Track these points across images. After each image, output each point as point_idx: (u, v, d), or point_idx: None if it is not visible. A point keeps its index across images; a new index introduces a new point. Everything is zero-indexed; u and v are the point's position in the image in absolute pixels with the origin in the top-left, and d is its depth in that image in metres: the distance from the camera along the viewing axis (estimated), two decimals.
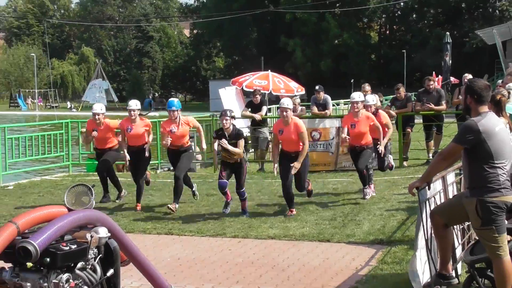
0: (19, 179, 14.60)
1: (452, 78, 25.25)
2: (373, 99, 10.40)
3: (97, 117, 10.49)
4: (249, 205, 9.62)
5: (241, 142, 8.88)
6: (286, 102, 8.94)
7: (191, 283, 6.14)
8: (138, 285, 5.77)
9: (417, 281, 4.94)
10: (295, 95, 17.85)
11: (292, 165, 8.44)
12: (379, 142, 9.53)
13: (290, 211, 8.83)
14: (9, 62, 70.75)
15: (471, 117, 4.64)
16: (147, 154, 10.13)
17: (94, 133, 10.43)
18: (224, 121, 8.88)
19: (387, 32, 58.98)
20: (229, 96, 18.18)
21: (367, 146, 9.51)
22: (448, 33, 31.48)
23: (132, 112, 10.23)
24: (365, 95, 11.61)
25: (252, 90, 16.16)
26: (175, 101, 10.18)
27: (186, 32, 71.63)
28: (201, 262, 6.86)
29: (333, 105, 20.10)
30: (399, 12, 54.54)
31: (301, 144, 8.68)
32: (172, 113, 9.73)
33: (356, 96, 9.71)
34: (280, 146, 8.98)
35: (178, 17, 71.95)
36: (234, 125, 9.27)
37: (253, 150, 15.17)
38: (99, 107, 10.71)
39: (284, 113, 8.70)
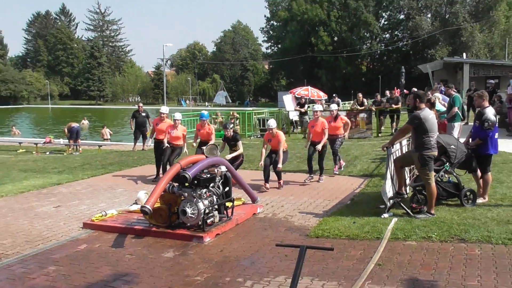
0: None
1: (405, 90, 34.31)
2: (335, 106, 11.88)
3: (177, 122, 11.22)
4: (294, 163, 11.98)
5: (239, 143, 10.17)
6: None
7: None
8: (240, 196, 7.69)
9: (385, 196, 7.11)
10: (321, 99, 26.56)
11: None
12: (340, 136, 11.12)
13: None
14: (177, 82, 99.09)
15: (416, 111, 6.95)
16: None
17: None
18: (226, 132, 10.20)
19: (371, 66, 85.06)
20: (287, 99, 26.17)
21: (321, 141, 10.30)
22: (403, 66, 45.54)
23: (162, 115, 11.51)
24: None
25: (299, 96, 25.00)
26: (205, 113, 11.48)
27: (266, 66, 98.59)
28: None
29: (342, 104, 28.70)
30: (377, 56, 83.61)
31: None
32: (202, 121, 11.14)
33: (317, 107, 11.01)
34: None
35: (262, 59, 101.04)
36: (235, 131, 10.53)
37: (300, 127, 22.29)
38: (179, 116, 11.43)
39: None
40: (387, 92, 22.25)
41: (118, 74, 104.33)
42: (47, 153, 19.17)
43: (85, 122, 25.04)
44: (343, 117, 11.57)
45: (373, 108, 20.09)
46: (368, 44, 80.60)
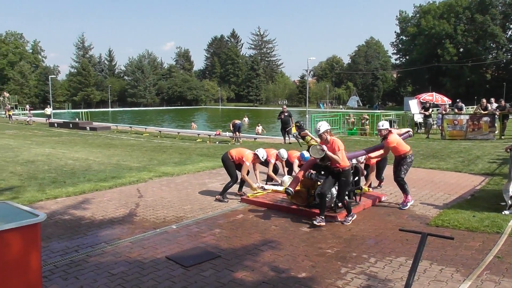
0: None
1: None
2: (383, 125, 7.07)
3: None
4: (417, 159, 10.82)
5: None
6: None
7: None
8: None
9: (507, 194, 6.28)
10: (445, 104, 25.37)
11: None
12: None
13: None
14: (317, 89, 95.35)
15: None
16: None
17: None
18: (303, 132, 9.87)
19: (496, 74, 75.22)
20: (413, 104, 24.82)
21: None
22: None
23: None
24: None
25: (424, 101, 22.94)
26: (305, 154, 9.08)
27: (394, 74, 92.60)
28: None
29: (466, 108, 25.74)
30: (502, 64, 73.40)
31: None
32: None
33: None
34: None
35: (391, 69, 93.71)
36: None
37: (423, 128, 20.51)
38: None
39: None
40: None
41: (271, 82, 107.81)
42: (217, 142, 20.51)
43: (246, 119, 26.32)
44: (391, 139, 6.82)
45: (497, 113, 17.80)
46: (493, 54, 71.78)
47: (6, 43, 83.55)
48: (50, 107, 41.49)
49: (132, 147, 17.33)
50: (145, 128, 28.46)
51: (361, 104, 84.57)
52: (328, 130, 6.08)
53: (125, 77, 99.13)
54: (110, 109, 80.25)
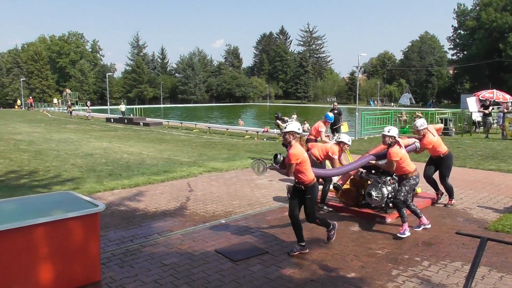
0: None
1: None
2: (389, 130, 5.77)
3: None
4: (475, 160, 10.00)
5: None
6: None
7: None
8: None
9: None
10: (507, 101, 22.87)
11: None
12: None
13: None
14: (367, 86, 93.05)
15: None
16: None
17: None
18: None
19: None
20: (471, 102, 23.36)
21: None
22: None
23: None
24: None
25: (484, 98, 21.74)
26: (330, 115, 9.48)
27: (450, 71, 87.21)
28: None
29: None
30: None
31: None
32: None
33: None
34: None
35: (447, 65, 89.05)
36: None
37: (482, 127, 19.46)
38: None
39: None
40: None
41: (319, 79, 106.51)
42: (265, 139, 20.61)
43: (295, 116, 26.35)
44: (394, 152, 5.63)
45: None
46: None
47: (69, 42, 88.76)
48: (123, 104, 41.16)
49: (182, 142, 17.82)
50: (195, 124, 29.13)
51: (414, 102, 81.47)
52: (295, 133, 4.75)
53: (176, 74, 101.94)
54: (162, 105, 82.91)
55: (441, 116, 22.15)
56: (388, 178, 6.30)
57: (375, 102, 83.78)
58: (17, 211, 4.26)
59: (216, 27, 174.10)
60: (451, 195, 6.96)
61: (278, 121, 17.09)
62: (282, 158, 4.84)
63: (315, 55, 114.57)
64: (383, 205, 6.24)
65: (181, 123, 30.87)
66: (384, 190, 6.13)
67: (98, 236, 4.08)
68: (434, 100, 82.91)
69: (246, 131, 23.82)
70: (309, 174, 4.80)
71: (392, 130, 5.71)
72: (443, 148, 6.84)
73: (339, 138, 6.84)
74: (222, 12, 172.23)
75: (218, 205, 7.01)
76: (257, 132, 23.03)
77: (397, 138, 5.71)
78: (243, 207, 6.93)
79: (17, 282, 3.56)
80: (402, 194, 5.63)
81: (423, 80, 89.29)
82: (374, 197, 6.16)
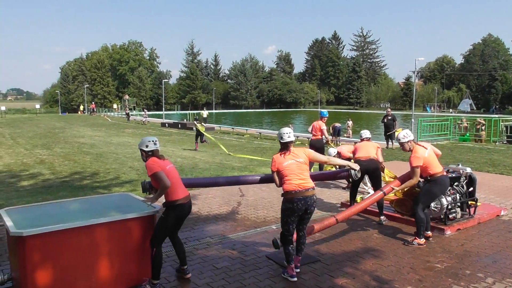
0: None
1: None
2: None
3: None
4: None
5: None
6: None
7: None
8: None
9: None
10: None
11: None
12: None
13: None
14: (424, 91, 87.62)
15: None
16: None
17: None
18: None
19: None
20: None
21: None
22: None
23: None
24: None
25: None
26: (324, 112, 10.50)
27: None
28: None
29: None
30: None
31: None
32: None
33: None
34: None
35: None
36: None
37: None
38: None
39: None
40: None
41: (373, 84, 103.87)
42: None
43: (350, 122, 25.77)
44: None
45: None
46: None
47: (128, 51, 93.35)
48: (205, 110, 36.45)
49: (234, 147, 18.07)
50: (246, 130, 29.43)
51: (475, 108, 77.02)
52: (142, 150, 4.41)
53: (228, 80, 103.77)
54: (214, 110, 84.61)
55: (506, 123, 20.82)
56: (448, 188, 5.99)
57: (432, 108, 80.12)
58: (80, 210, 4.53)
59: (268, 33, 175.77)
60: (419, 231, 5.31)
61: (196, 122, 18.07)
62: (147, 184, 4.50)
63: (369, 60, 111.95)
64: (442, 216, 5.94)
65: (233, 128, 31.31)
66: (444, 200, 5.84)
67: None
68: (497, 106, 77.95)
69: (297, 137, 23.70)
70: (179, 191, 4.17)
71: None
72: (435, 169, 5.37)
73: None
74: (274, 19, 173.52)
75: (269, 211, 7.01)
76: (308, 138, 22.82)
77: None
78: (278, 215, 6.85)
79: (82, 278, 3.76)
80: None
81: (486, 85, 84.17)
82: (433, 208, 5.88)
